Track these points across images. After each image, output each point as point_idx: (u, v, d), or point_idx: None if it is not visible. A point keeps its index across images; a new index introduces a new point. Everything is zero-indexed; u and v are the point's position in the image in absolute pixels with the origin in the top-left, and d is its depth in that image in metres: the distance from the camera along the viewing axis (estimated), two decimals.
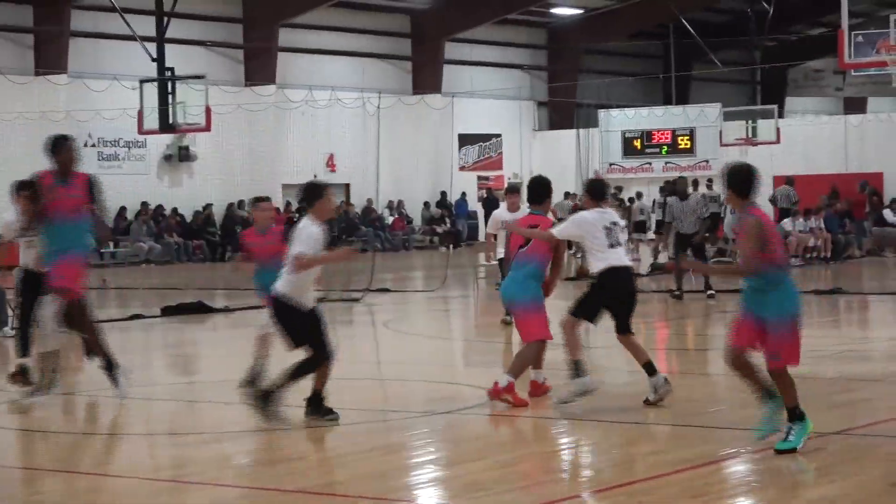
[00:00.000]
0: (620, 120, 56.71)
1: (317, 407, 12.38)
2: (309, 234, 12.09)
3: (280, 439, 12.02)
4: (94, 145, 45.92)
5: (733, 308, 24.90)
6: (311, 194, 12.35)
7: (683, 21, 55.68)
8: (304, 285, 12.22)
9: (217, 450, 11.68)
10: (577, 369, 13.13)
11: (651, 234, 42.89)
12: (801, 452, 10.20)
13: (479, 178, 57.66)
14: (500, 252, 20.05)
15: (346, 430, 12.36)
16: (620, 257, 13.24)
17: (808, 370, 14.78)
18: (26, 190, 14.66)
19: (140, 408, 14.36)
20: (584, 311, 13.46)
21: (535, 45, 60.99)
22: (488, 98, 57.40)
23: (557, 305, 14.38)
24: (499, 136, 58.54)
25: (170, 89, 39.86)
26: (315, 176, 51.65)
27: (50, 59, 44.77)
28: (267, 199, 15.51)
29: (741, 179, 10.63)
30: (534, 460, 10.74)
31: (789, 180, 41.96)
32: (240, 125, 47.90)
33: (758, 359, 10.52)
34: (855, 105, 61.01)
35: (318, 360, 12.41)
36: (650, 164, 55.31)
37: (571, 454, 11.31)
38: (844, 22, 31.92)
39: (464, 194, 56.26)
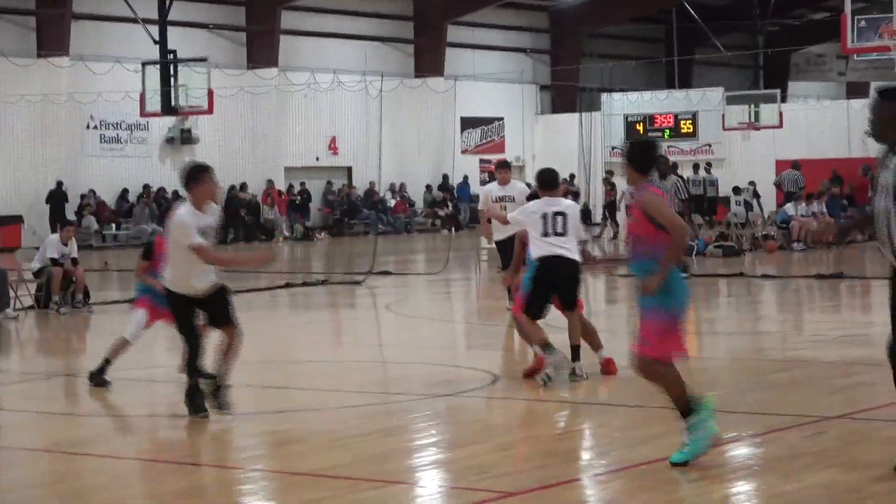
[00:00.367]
0: (623, 104, 56.62)
1: (213, 392, 11.86)
2: (181, 222, 11.54)
3: (283, 421, 12.06)
4: (96, 128, 45.98)
5: (721, 291, 25.00)
6: (189, 177, 11.70)
7: (686, 5, 55.60)
8: (183, 275, 11.63)
9: (219, 432, 11.72)
10: (546, 348, 13.37)
11: None
12: (801, 438, 10.18)
13: (482, 161, 57.59)
14: (496, 235, 19.79)
15: (348, 412, 12.41)
16: (552, 247, 13.50)
17: (810, 354, 14.86)
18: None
19: (141, 389, 14.41)
20: (532, 310, 13.72)
21: (537, 29, 60.94)
22: (491, 81, 57.33)
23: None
24: (501, 119, 58.54)
25: (172, 72, 39.88)
26: (317, 159, 51.76)
27: (52, 41, 44.73)
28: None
29: (641, 155, 9.91)
30: (534, 444, 10.77)
31: (796, 165, 41.97)
32: (242, 108, 47.87)
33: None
34: (857, 90, 60.84)
35: (187, 351, 11.90)
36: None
37: (571, 438, 11.34)
38: (847, 6, 31.89)
39: (466, 177, 56.22)
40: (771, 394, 12.81)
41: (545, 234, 13.54)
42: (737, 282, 26.16)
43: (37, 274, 23.40)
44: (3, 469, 10.25)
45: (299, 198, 50.54)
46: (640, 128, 55.76)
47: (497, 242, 19.69)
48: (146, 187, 46.37)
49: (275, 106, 50.00)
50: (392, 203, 53.68)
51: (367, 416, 12.29)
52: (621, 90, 57.38)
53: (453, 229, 51.61)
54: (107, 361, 14.12)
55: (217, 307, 11.88)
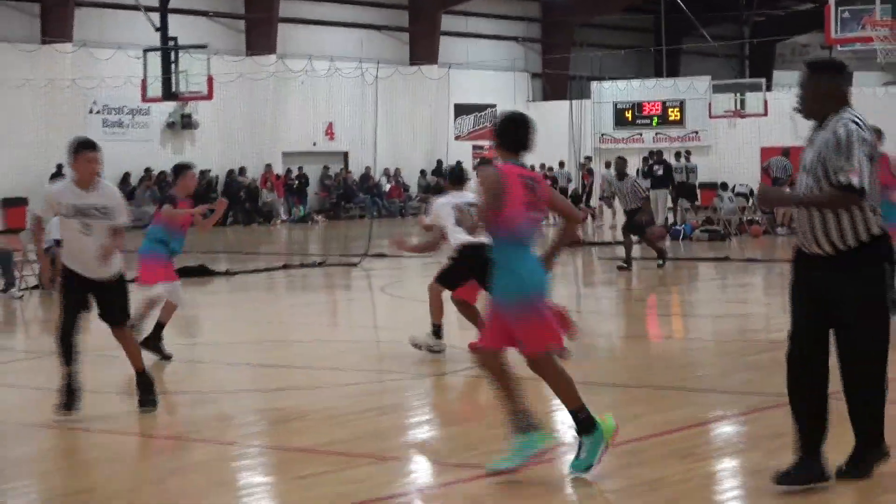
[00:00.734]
0: (612, 92, 56.64)
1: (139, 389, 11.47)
2: (45, 193, 11.54)
3: (281, 399, 12.08)
4: (98, 112, 45.93)
5: (707, 275, 25.04)
6: (70, 152, 11.10)
7: None
8: (72, 252, 11.12)
9: (219, 409, 11.74)
10: (436, 331, 14.18)
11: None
12: (783, 417, 10.19)
13: (474, 147, 57.59)
14: None
15: (344, 391, 12.43)
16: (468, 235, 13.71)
17: None
18: None
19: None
20: (447, 280, 14.20)
21: (529, 18, 60.90)
22: (483, 69, 57.33)
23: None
24: (494, 106, 58.46)
25: (173, 58, 39.77)
26: (314, 144, 51.70)
27: (56, 27, 44.69)
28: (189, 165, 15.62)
29: (510, 130, 8.86)
30: None
31: (785, 151, 41.90)
32: (241, 94, 47.83)
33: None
34: None
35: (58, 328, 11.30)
36: (641, 134, 55.25)
37: (560, 416, 11.36)
38: None
39: (459, 163, 56.21)
40: (754, 374, 12.84)
41: (458, 223, 13.68)
42: (722, 265, 26.21)
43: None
44: (9, 444, 10.26)
45: (297, 182, 50.53)
46: (628, 115, 55.80)
47: None
48: (148, 171, 46.36)
49: (273, 92, 49.96)
50: (387, 188, 53.66)
51: (362, 394, 12.31)
52: (611, 78, 57.42)
53: None
54: (160, 327, 14.37)
55: (105, 301, 11.28)
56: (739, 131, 51.79)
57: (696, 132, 53.42)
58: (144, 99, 41.25)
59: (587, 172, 47.24)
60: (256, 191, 48.89)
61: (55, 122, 43.63)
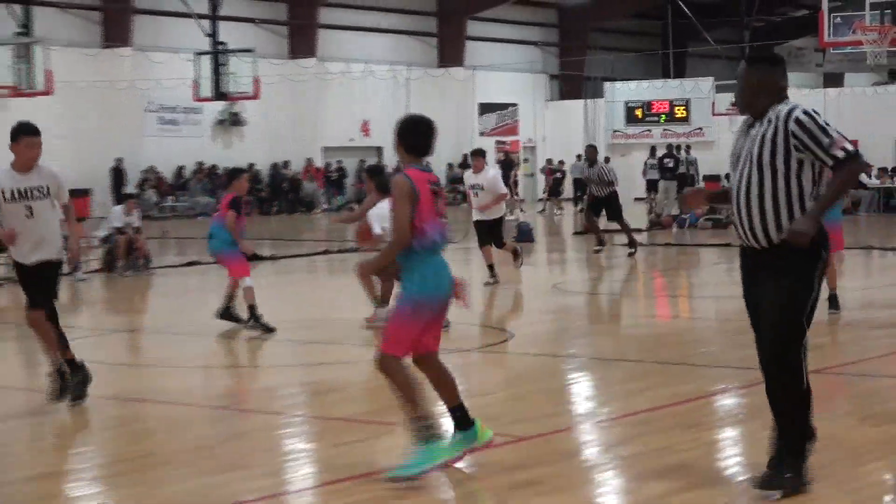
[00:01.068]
0: (623, 91, 56.50)
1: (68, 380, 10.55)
2: None
3: (321, 373, 12.11)
4: (154, 111, 46.02)
5: (711, 260, 24.96)
6: (11, 137, 10.39)
7: (680, 3, 55.38)
8: (19, 242, 10.52)
9: (265, 381, 11.77)
10: (380, 301, 14.53)
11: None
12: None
13: (498, 142, 57.54)
14: (475, 214, 19.59)
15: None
16: None
17: None
18: None
19: (197, 343, 14.47)
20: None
21: (547, 24, 60.74)
22: (506, 71, 57.23)
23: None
24: (515, 105, 58.41)
25: (222, 61, 39.90)
26: (351, 140, 51.72)
27: (116, 33, 44.77)
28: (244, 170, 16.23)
29: (409, 133, 8.00)
30: (542, 395, 10.78)
31: None
32: (284, 94, 47.84)
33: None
34: (833, 80, 60.61)
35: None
36: (650, 130, 55.08)
37: (576, 389, 11.37)
38: (825, 4, 31.87)
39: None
40: (754, 351, 12.79)
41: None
42: (725, 251, 26.12)
43: (104, 241, 23.53)
44: (76, 414, 10.30)
45: (335, 174, 50.57)
46: (639, 113, 55.66)
47: (475, 222, 19.65)
48: (200, 164, 46.45)
49: (313, 92, 49.95)
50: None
51: None
52: (622, 79, 57.30)
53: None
54: (252, 308, 14.71)
55: (32, 283, 10.59)
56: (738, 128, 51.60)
57: (701, 128, 53.27)
58: (196, 98, 41.41)
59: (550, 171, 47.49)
60: (298, 182, 48.95)
61: (115, 120, 43.75)
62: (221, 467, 8.24)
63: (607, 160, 50.15)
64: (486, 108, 57.48)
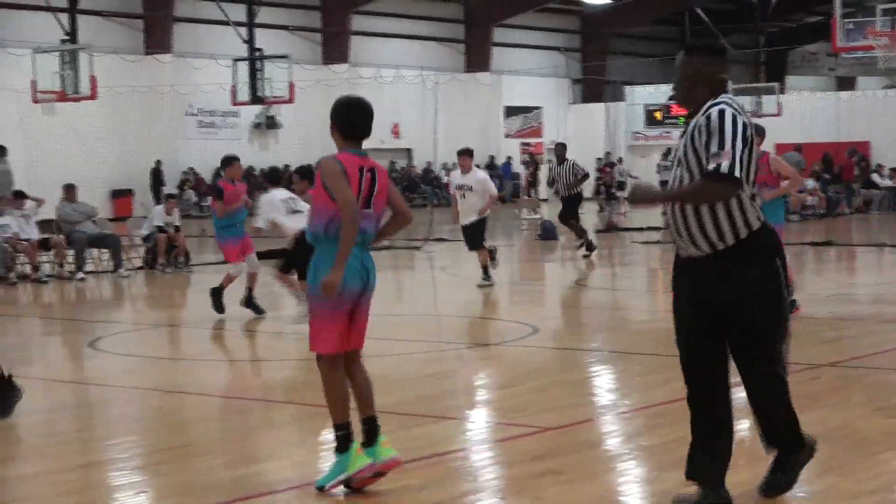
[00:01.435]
0: (643, 95, 56.45)
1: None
2: None
3: None
4: (194, 115, 46.17)
5: None
6: None
7: (697, 9, 55.30)
8: None
9: (300, 374, 11.77)
10: (300, 298, 14.60)
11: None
12: (797, 383, 10.10)
13: (522, 144, 57.55)
14: (461, 218, 18.84)
15: (407, 358, 12.43)
16: (298, 222, 14.36)
17: (804, 311, 14.76)
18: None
19: (233, 337, 14.49)
20: (288, 266, 15.02)
21: (570, 30, 60.68)
22: (530, 76, 57.21)
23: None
24: (539, 108, 58.38)
25: (258, 67, 39.93)
26: (382, 142, 51.80)
27: (157, 40, 44.96)
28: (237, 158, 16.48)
29: (344, 116, 7.33)
30: (564, 386, 10.75)
31: (798, 148, 41.85)
32: (318, 98, 47.87)
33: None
34: (846, 83, 60.38)
35: None
36: (669, 132, 54.96)
37: (598, 381, 11.33)
38: (837, 11, 31.78)
39: (509, 158, 56.15)
40: None
41: (293, 212, 14.69)
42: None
43: (145, 239, 23.60)
44: (118, 405, 10.33)
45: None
46: (658, 115, 55.59)
47: (463, 227, 18.89)
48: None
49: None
50: (446, 180, 53.63)
51: (423, 361, 12.32)
52: (642, 83, 57.20)
53: (498, 202, 51.56)
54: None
55: None
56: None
57: None
58: (234, 102, 41.44)
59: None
60: None
61: (155, 124, 43.90)
62: (256, 457, 8.25)
63: (620, 161, 50.31)
64: (511, 112, 57.47)
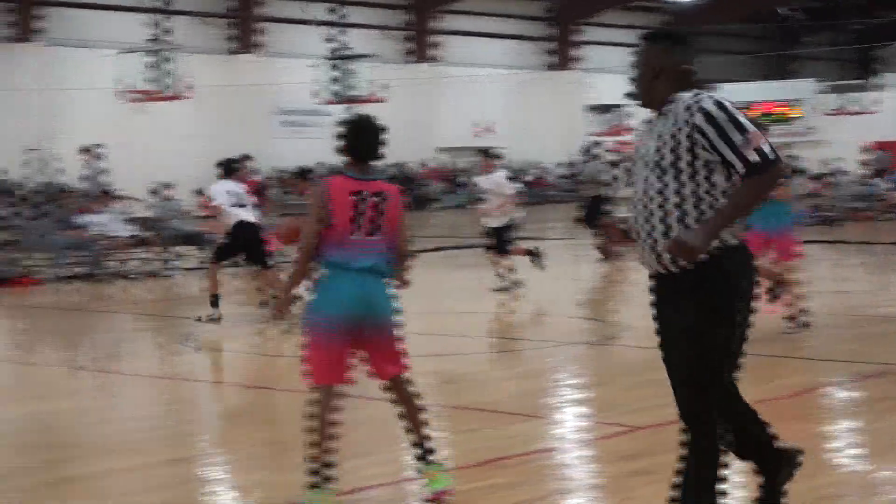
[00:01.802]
0: (732, 92, 56.02)
1: None
2: None
3: (439, 363, 12.15)
4: (280, 114, 46.53)
5: (815, 256, 24.61)
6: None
7: (787, 6, 54.84)
8: None
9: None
10: (213, 302, 15.05)
11: None
12: (888, 384, 10.01)
13: (608, 142, 57.36)
14: (482, 220, 18.68)
15: (496, 356, 12.48)
16: (240, 214, 14.94)
17: (893, 310, 14.60)
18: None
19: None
20: (220, 255, 15.32)
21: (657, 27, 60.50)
22: (616, 73, 57.03)
23: None
24: (624, 106, 58.16)
25: (343, 66, 40.20)
26: (470, 138, 51.85)
27: (243, 40, 45.41)
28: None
29: (346, 135, 6.85)
30: (654, 385, 10.69)
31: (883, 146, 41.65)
32: (403, 96, 48.11)
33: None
34: None
35: None
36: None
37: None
38: None
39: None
40: (860, 345, 12.65)
41: (239, 205, 15.06)
42: (827, 248, 25.77)
43: None
44: (209, 401, 10.46)
45: (453, 173, 50.79)
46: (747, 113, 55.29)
47: (486, 229, 18.66)
48: (320, 164, 46.88)
49: (432, 95, 50.16)
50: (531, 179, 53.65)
51: (511, 359, 12.36)
52: (730, 81, 56.78)
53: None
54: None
55: None
56: (849, 127, 50.89)
57: (809, 127, 52.72)
58: (319, 101, 41.71)
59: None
60: (416, 181, 49.19)
61: (243, 122, 44.31)
62: (346, 454, 8.32)
63: None
64: (596, 110, 57.32)
